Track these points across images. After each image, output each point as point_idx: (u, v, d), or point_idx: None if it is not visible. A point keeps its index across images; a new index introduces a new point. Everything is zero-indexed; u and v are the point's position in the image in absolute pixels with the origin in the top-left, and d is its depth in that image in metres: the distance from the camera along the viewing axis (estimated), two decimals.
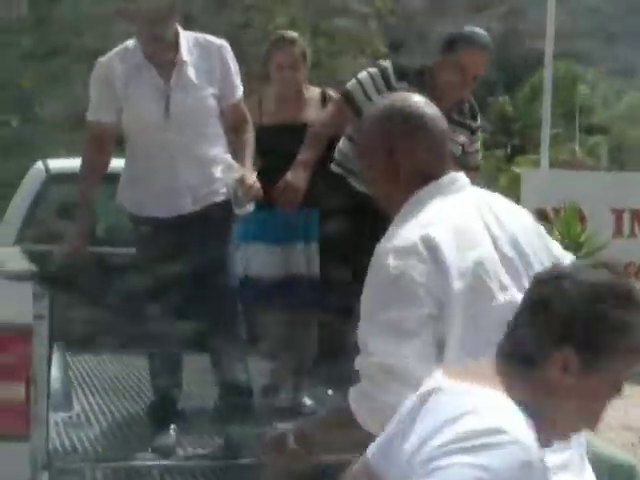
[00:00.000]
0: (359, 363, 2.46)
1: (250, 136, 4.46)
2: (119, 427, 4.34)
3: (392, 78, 4.50)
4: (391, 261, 2.42)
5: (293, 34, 5.22)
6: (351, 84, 4.57)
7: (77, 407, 4.54)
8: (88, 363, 5.34)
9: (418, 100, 2.66)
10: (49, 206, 6.24)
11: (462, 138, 4.70)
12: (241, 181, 4.15)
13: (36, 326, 3.53)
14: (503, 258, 2.48)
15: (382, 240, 2.52)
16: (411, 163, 2.58)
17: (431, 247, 2.41)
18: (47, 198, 6.16)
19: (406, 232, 2.46)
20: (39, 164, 6.28)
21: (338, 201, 4.53)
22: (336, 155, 4.73)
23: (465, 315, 2.39)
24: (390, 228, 2.55)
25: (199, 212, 4.26)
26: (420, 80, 4.50)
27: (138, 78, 4.23)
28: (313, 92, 5.15)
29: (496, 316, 2.30)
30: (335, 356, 4.20)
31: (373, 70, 4.55)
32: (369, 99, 4.44)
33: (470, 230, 2.48)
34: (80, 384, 4.95)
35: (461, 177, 2.63)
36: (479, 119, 4.89)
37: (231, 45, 4.46)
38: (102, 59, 4.31)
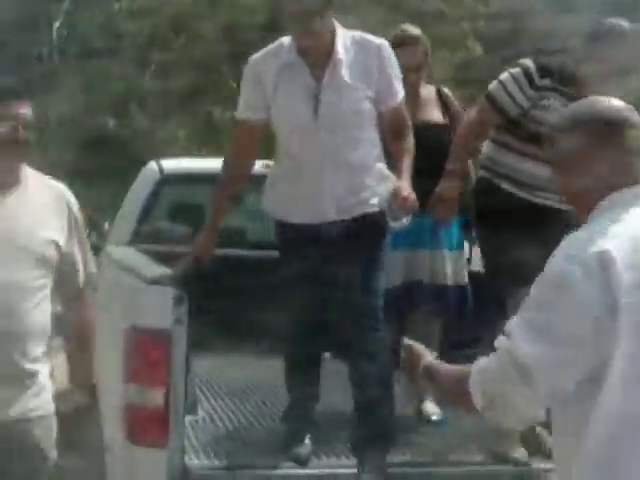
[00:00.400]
0: (500, 344, 2.45)
1: (410, 143, 4.16)
2: (246, 432, 4.25)
3: (535, 76, 4.34)
4: (562, 265, 2.38)
5: (416, 31, 5.02)
6: (493, 86, 4.43)
7: (201, 412, 4.46)
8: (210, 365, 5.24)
9: (620, 104, 2.59)
10: (162, 207, 6.16)
11: None
12: (396, 193, 3.83)
13: (175, 331, 3.46)
14: None
15: (565, 239, 2.47)
16: (612, 168, 2.52)
17: (605, 263, 2.34)
18: (160, 199, 6.04)
19: (586, 239, 2.41)
20: (152, 164, 6.15)
21: (492, 206, 4.37)
22: (483, 160, 4.58)
23: (635, 331, 2.32)
24: (577, 231, 2.50)
25: (346, 222, 4.01)
26: (565, 76, 4.37)
27: (290, 76, 4.03)
28: (429, 90, 5.04)
29: None
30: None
31: (515, 70, 4.39)
32: (513, 99, 4.34)
33: None
34: (202, 387, 4.88)
35: None
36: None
37: None
38: (256, 55, 4.12)
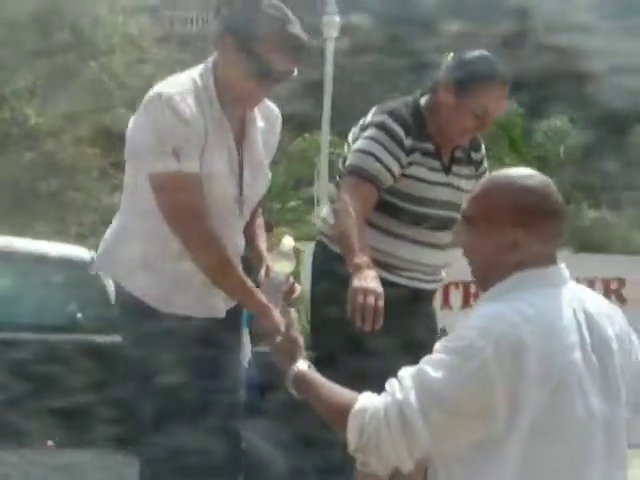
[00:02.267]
0: (391, 390, 2.41)
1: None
2: None
3: (401, 135, 3.80)
4: (474, 337, 2.35)
5: None
6: (355, 158, 3.82)
7: None
8: None
9: (546, 180, 2.57)
10: None
11: (464, 183, 3.99)
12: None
13: None
14: (589, 364, 2.43)
15: (477, 308, 2.48)
16: (530, 243, 2.49)
17: (517, 350, 2.33)
18: None
19: (498, 315, 2.39)
20: None
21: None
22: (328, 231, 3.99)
23: (538, 425, 2.33)
24: (482, 299, 2.54)
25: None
26: (420, 126, 3.83)
27: (215, 139, 3.32)
28: None
29: (575, 427, 2.35)
30: None
31: (373, 133, 3.78)
32: (385, 167, 3.75)
33: (563, 331, 2.41)
34: None
35: (564, 271, 2.56)
36: (482, 147, 4.12)
37: None
38: (172, 91, 3.30)
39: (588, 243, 22.40)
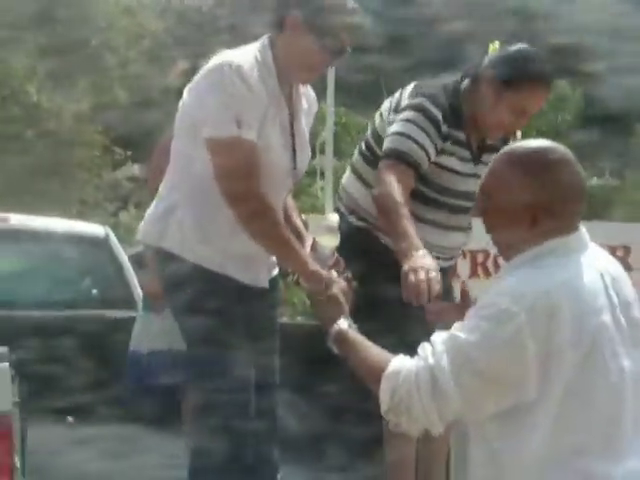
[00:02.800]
0: (424, 354, 2.45)
1: None
2: None
3: (441, 122, 3.78)
4: (508, 304, 2.37)
5: None
6: (399, 142, 3.79)
7: None
8: None
9: (566, 153, 2.57)
10: None
11: None
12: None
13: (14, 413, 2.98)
14: (618, 326, 2.47)
15: (507, 276, 2.48)
16: (551, 218, 2.50)
17: (549, 314, 2.35)
18: None
19: (529, 281, 2.41)
20: None
21: (372, 260, 3.82)
22: (355, 207, 4.03)
23: (572, 388, 2.36)
24: (507, 268, 2.55)
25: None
26: (456, 113, 3.79)
27: (274, 112, 3.49)
28: None
29: (607, 388, 2.39)
30: None
31: (414, 116, 3.77)
32: (426, 152, 3.77)
33: (592, 295, 2.44)
34: None
35: (585, 235, 2.59)
36: (518, 134, 4.12)
37: None
38: (240, 61, 3.46)
39: (593, 211, 22.42)
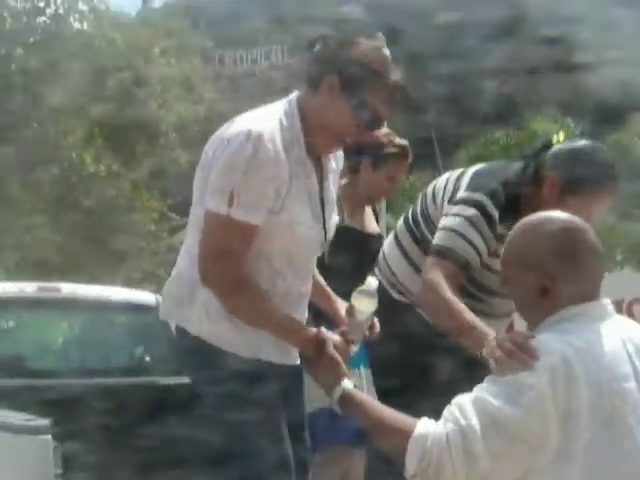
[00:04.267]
0: (451, 417, 2.43)
1: None
2: None
3: (494, 218, 3.48)
4: (524, 374, 2.38)
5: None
6: (448, 238, 3.52)
7: None
8: None
9: (582, 223, 2.59)
10: None
11: None
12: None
13: None
14: None
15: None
16: (566, 288, 2.50)
17: (568, 380, 2.36)
18: None
19: (548, 348, 2.40)
20: None
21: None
22: (399, 287, 3.87)
23: (594, 454, 2.35)
24: (537, 334, 2.49)
25: None
26: (512, 213, 3.37)
27: (299, 180, 3.18)
28: None
29: (632, 455, 2.37)
30: None
31: (470, 212, 3.47)
32: (476, 250, 3.50)
33: (613, 362, 2.44)
34: None
35: (608, 305, 2.56)
36: None
37: None
38: (267, 129, 3.11)
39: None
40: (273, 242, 3.12)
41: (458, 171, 3.71)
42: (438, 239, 3.52)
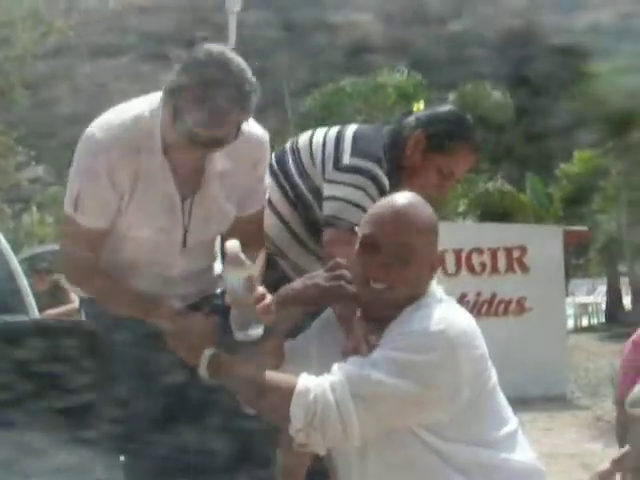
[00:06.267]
0: (337, 368, 2.44)
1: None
2: None
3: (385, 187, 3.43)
4: (443, 331, 2.44)
5: None
6: (349, 213, 3.38)
7: None
8: None
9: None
10: None
11: None
12: (251, 284, 2.74)
13: None
14: None
15: (418, 314, 2.50)
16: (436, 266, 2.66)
17: (479, 335, 2.52)
18: None
19: (442, 319, 2.47)
20: None
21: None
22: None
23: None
24: (419, 313, 2.51)
25: None
26: (389, 175, 3.45)
27: (149, 185, 3.05)
28: None
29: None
30: None
31: (362, 181, 3.43)
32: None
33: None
34: None
35: None
36: None
37: None
38: (103, 135, 3.00)
39: (490, 213, 22.88)
40: (121, 241, 3.16)
41: (334, 130, 3.64)
42: (334, 210, 3.44)
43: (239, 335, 2.65)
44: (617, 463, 3.83)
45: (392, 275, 2.52)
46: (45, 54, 21.35)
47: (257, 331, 2.65)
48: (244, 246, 2.83)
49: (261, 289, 2.74)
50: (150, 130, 2.98)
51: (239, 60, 2.86)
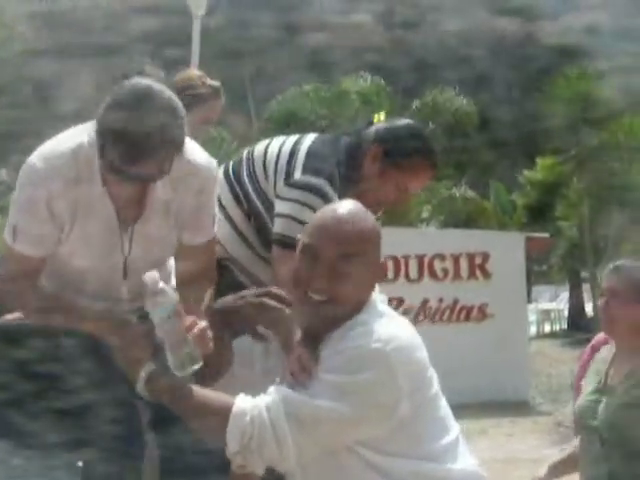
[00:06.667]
0: (284, 393, 2.40)
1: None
2: None
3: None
4: (379, 346, 2.39)
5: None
6: (292, 229, 3.31)
7: None
8: None
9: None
10: None
11: None
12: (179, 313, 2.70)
13: None
14: None
15: (359, 328, 2.44)
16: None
17: (418, 347, 2.50)
18: None
19: (383, 333, 2.43)
20: None
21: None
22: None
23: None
24: (357, 331, 2.45)
25: None
26: (343, 191, 3.44)
27: (88, 214, 3.01)
28: None
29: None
30: None
31: (307, 198, 3.40)
32: None
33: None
34: None
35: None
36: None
37: None
38: (41, 165, 2.96)
39: (454, 219, 23.00)
40: (65, 267, 3.12)
41: (290, 142, 3.61)
42: (282, 228, 3.42)
43: (177, 373, 2.56)
44: (554, 468, 3.87)
45: (332, 286, 2.46)
46: (8, 58, 21.25)
47: (194, 367, 2.57)
48: (194, 280, 2.99)
49: (191, 317, 2.70)
50: (89, 160, 2.93)
51: (166, 95, 2.80)
